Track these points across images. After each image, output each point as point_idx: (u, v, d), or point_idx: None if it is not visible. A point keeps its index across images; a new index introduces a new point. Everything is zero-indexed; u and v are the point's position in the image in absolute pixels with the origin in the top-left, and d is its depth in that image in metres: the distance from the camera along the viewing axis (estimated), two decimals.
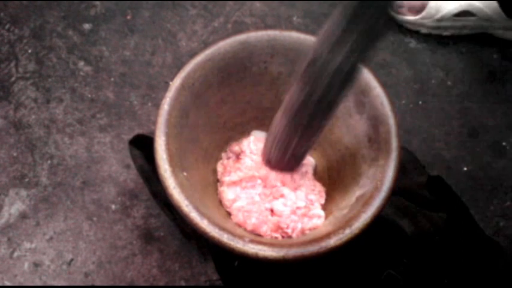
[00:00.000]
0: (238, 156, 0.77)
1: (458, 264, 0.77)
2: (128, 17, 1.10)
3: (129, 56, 1.06)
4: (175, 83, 0.68)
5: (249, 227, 0.70)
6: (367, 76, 0.69)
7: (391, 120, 0.66)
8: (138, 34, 1.09)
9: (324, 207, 0.74)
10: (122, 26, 1.10)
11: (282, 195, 0.72)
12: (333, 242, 0.59)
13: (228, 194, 0.73)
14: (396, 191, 0.65)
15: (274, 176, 0.73)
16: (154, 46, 1.07)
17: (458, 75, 1.05)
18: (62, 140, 0.98)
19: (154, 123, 0.66)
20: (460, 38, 1.07)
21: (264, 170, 0.73)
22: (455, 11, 1.03)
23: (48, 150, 0.98)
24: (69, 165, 0.96)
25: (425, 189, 0.83)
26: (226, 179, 0.74)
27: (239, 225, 0.71)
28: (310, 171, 0.77)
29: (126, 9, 1.11)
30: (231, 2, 1.12)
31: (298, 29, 1.06)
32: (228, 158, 0.78)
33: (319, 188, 0.76)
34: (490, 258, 0.79)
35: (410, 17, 1.06)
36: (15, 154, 0.97)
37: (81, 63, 1.06)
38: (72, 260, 0.89)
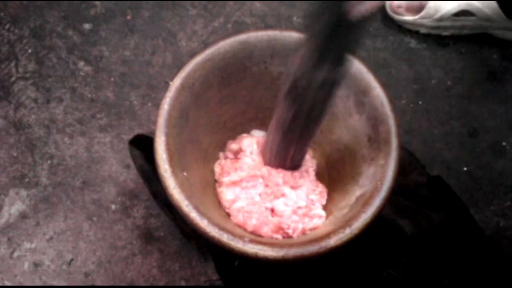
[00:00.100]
0: (236, 156, 0.77)
1: (458, 264, 0.77)
2: (128, 17, 1.10)
3: (129, 56, 1.06)
4: (175, 83, 0.68)
5: (250, 228, 0.70)
6: (367, 76, 0.69)
7: (391, 120, 0.66)
8: (138, 34, 1.09)
9: (324, 207, 0.74)
10: (122, 26, 1.10)
11: (283, 195, 0.72)
12: (332, 242, 0.59)
13: (227, 194, 0.73)
14: (396, 191, 0.65)
15: (275, 174, 0.73)
16: (154, 46, 1.07)
17: (458, 75, 1.05)
18: (62, 140, 0.98)
19: (154, 123, 0.66)
20: (460, 38, 1.07)
21: (265, 169, 0.73)
22: (454, 11, 1.02)
23: (48, 150, 0.98)
24: (69, 165, 0.96)
25: (425, 189, 0.83)
26: (226, 179, 0.74)
27: (239, 227, 0.70)
28: (312, 171, 0.77)
29: (126, 9, 1.11)
30: (231, 2, 1.12)
31: (298, 29, 1.07)
32: (226, 158, 0.78)
33: (321, 188, 0.75)
34: (490, 258, 0.79)
35: (409, 17, 1.06)
36: (15, 154, 0.97)
37: (81, 63, 1.06)
38: (72, 260, 0.89)
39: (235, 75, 0.74)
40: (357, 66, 0.69)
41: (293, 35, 0.73)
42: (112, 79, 1.04)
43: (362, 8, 0.48)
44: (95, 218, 0.92)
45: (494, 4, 1.00)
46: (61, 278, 0.88)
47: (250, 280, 0.77)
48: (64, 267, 0.89)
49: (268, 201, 0.72)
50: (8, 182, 0.95)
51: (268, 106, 0.77)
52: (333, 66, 0.56)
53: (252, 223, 0.69)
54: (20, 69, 1.05)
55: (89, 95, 1.02)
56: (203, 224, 0.59)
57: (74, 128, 0.99)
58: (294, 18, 1.11)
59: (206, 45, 1.06)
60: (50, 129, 0.99)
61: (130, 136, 0.90)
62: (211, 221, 0.59)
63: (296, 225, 0.69)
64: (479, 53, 1.07)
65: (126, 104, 1.01)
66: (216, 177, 0.77)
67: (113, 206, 0.93)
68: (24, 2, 1.12)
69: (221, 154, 0.79)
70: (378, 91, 0.68)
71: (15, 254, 0.90)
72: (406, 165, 0.84)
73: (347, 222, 0.60)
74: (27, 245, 0.90)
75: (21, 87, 1.03)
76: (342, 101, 0.72)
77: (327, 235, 0.59)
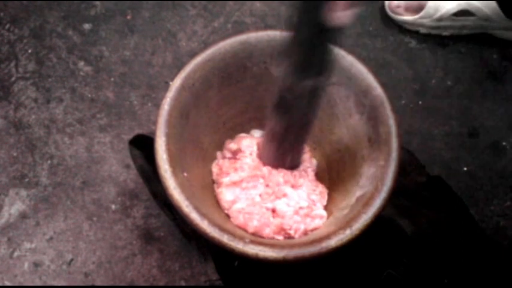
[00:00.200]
0: (235, 156, 0.77)
1: (458, 264, 0.77)
2: (128, 17, 1.10)
3: (129, 56, 1.06)
4: (176, 83, 0.68)
5: (251, 230, 0.69)
6: (367, 77, 0.69)
7: (391, 121, 0.66)
8: (138, 34, 1.09)
9: (325, 207, 0.74)
10: (122, 26, 1.10)
11: (285, 195, 0.71)
12: (333, 242, 0.59)
13: (226, 195, 0.72)
14: (396, 191, 0.65)
15: (276, 173, 0.73)
16: (154, 46, 1.07)
17: (458, 75, 1.05)
18: (62, 140, 0.98)
19: (155, 123, 0.66)
20: (460, 38, 1.07)
21: (266, 169, 0.73)
22: (454, 11, 1.02)
23: (48, 150, 0.98)
24: (69, 165, 0.96)
25: (425, 189, 0.83)
26: (226, 179, 0.74)
27: (240, 228, 0.70)
28: (311, 171, 0.77)
29: (126, 9, 1.11)
30: (231, 2, 1.12)
31: None
32: (224, 158, 0.78)
33: (321, 188, 0.75)
34: (490, 258, 0.79)
35: (409, 17, 1.06)
36: (15, 154, 0.97)
37: (81, 63, 1.06)
38: (72, 260, 0.89)
39: (236, 75, 0.74)
40: (357, 67, 0.69)
41: None
42: (112, 79, 1.04)
43: (341, 15, 0.48)
44: (95, 218, 0.92)
45: (493, 4, 1.00)
46: (61, 278, 0.88)
47: (250, 280, 0.77)
48: (64, 267, 0.89)
49: (270, 201, 0.71)
50: (8, 182, 0.95)
51: (268, 106, 0.77)
52: (317, 75, 0.57)
53: (253, 224, 0.69)
54: (20, 69, 1.05)
55: (89, 95, 1.02)
56: (203, 224, 0.59)
57: (74, 128, 0.99)
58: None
59: (206, 45, 1.06)
60: (50, 129, 0.99)
61: (130, 136, 0.90)
62: (212, 222, 0.59)
63: (298, 226, 0.69)
64: (479, 53, 1.07)
65: (126, 104, 1.01)
66: (214, 177, 0.76)
67: (113, 206, 0.93)
68: (24, 2, 1.12)
69: (219, 154, 0.78)
70: (378, 91, 0.68)
71: (15, 254, 0.90)
72: (406, 165, 0.84)
73: (347, 223, 0.60)
74: (27, 245, 0.90)
75: (21, 87, 1.03)
76: (342, 101, 0.72)
77: (328, 236, 0.59)
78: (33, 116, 1.01)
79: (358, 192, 0.67)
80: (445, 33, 1.07)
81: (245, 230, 0.69)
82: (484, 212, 0.92)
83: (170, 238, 0.90)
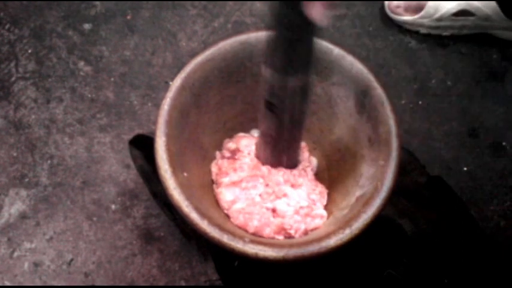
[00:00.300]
0: (234, 156, 0.77)
1: (458, 264, 0.77)
2: (128, 17, 1.10)
3: (129, 56, 1.06)
4: (176, 83, 0.68)
5: (251, 230, 0.69)
6: (367, 77, 0.69)
7: (391, 121, 0.66)
8: (138, 34, 1.09)
9: (325, 207, 0.74)
10: (122, 26, 1.10)
11: (285, 195, 0.71)
12: (333, 242, 0.59)
13: (226, 195, 0.72)
14: (396, 191, 0.65)
15: (276, 173, 0.73)
16: (154, 46, 1.07)
17: (458, 75, 1.05)
18: (62, 140, 0.98)
19: (154, 123, 0.66)
20: (460, 38, 1.07)
21: (265, 168, 0.73)
22: (454, 10, 1.02)
23: (48, 150, 0.98)
24: (69, 165, 0.96)
25: (425, 189, 0.82)
26: (226, 179, 0.74)
27: (240, 228, 0.70)
28: (310, 171, 0.77)
29: (126, 9, 1.11)
30: (231, 2, 1.12)
31: None
32: (223, 158, 0.78)
33: (320, 188, 0.75)
34: (490, 258, 0.79)
35: (409, 17, 1.06)
36: (15, 154, 0.97)
37: (81, 63, 1.06)
38: (72, 260, 0.89)
39: (236, 75, 0.74)
40: (357, 67, 0.69)
41: None
42: (112, 79, 1.04)
43: (318, 14, 0.49)
44: (95, 218, 0.92)
45: (493, 4, 1.00)
46: (61, 278, 0.88)
47: (250, 280, 0.77)
48: (64, 267, 0.89)
49: (270, 201, 0.71)
50: (8, 182, 0.95)
51: (260, 107, 0.77)
52: (301, 73, 0.57)
53: (253, 224, 0.69)
54: (20, 69, 1.05)
55: (89, 95, 1.02)
56: (203, 224, 0.59)
57: (74, 128, 0.99)
58: None
59: (206, 45, 1.06)
60: (50, 129, 0.99)
61: (130, 136, 0.90)
62: (212, 222, 0.59)
63: (298, 226, 0.69)
64: (479, 53, 1.07)
65: (126, 104, 1.01)
66: (214, 177, 0.76)
67: (113, 206, 0.93)
68: (24, 2, 1.12)
69: (218, 153, 0.78)
70: (378, 91, 0.68)
71: (15, 254, 0.90)
72: (406, 165, 0.84)
73: (347, 223, 0.60)
74: (27, 245, 0.90)
75: (21, 87, 1.03)
76: (342, 101, 0.72)
77: (327, 235, 0.59)
78: (33, 116, 1.01)
79: (358, 192, 0.67)
80: (445, 33, 1.07)
81: (245, 230, 0.69)
82: (484, 212, 0.92)
83: (170, 238, 0.90)
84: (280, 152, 0.71)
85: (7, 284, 0.88)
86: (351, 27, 1.09)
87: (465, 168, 0.96)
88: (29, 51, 1.07)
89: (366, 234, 0.61)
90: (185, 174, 0.65)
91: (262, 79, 0.60)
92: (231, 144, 0.77)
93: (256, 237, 0.66)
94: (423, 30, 1.07)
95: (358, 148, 0.71)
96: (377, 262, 0.75)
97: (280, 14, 0.52)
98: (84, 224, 0.92)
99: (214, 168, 0.77)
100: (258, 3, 1.12)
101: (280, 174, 0.73)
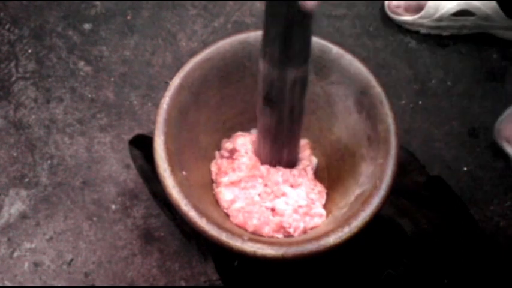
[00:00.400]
0: (232, 156, 0.77)
1: (458, 264, 0.76)
2: (128, 17, 1.10)
3: (129, 56, 1.06)
4: (175, 82, 0.68)
5: (251, 228, 0.69)
6: (366, 75, 0.69)
7: (390, 119, 0.66)
8: (138, 34, 1.09)
9: (324, 206, 0.74)
10: (122, 26, 1.10)
11: (284, 194, 0.72)
12: (332, 240, 0.59)
13: (226, 194, 0.72)
14: (396, 191, 0.64)
15: (274, 173, 0.73)
16: (154, 46, 1.08)
17: (458, 75, 1.05)
18: (62, 140, 0.99)
19: (154, 123, 0.66)
20: (460, 38, 1.07)
21: (264, 168, 0.73)
22: (454, 10, 1.02)
23: (48, 150, 0.98)
24: (69, 165, 0.96)
25: (425, 189, 0.82)
26: (225, 179, 0.74)
27: (239, 227, 0.70)
28: (310, 170, 0.77)
29: (126, 9, 1.11)
30: (231, 2, 1.12)
31: None
32: (222, 158, 0.78)
33: (319, 188, 0.75)
34: (490, 258, 0.79)
35: (409, 17, 1.06)
36: (15, 154, 0.98)
37: (81, 63, 1.06)
38: (72, 260, 0.89)
39: (235, 74, 0.74)
40: (356, 66, 0.69)
41: None
42: (112, 79, 1.04)
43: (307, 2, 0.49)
44: (95, 218, 0.92)
45: (493, 3, 1.00)
46: (61, 278, 0.88)
47: (250, 280, 0.77)
48: (64, 267, 0.89)
49: (269, 200, 0.71)
50: (8, 182, 0.95)
51: (257, 103, 0.77)
52: (297, 66, 0.57)
53: (253, 223, 0.69)
54: (20, 69, 1.05)
55: (89, 95, 1.02)
56: (202, 222, 0.59)
57: (74, 128, 0.99)
58: None
59: (206, 45, 1.05)
60: (50, 129, 0.99)
61: (130, 136, 0.90)
62: (210, 220, 0.59)
63: (297, 224, 0.69)
64: (479, 53, 1.07)
65: (126, 104, 1.02)
66: (213, 177, 0.76)
67: (113, 206, 0.93)
68: (24, 2, 1.12)
69: (217, 153, 0.78)
70: (376, 90, 0.68)
71: (15, 254, 0.90)
72: (406, 165, 0.84)
73: (346, 221, 0.60)
74: (27, 245, 0.90)
75: (21, 87, 1.03)
76: (341, 100, 0.72)
77: (326, 234, 0.59)
78: (33, 116, 1.01)
79: (357, 191, 0.67)
80: (445, 33, 1.07)
81: (245, 229, 0.69)
82: (484, 212, 0.92)
83: (170, 238, 0.90)
84: (280, 149, 0.71)
85: (7, 284, 0.88)
86: (351, 27, 1.09)
87: (465, 168, 0.96)
88: (29, 51, 1.07)
89: (366, 234, 0.61)
90: (184, 173, 0.65)
91: (259, 74, 0.60)
92: (228, 144, 0.77)
93: (255, 236, 0.66)
94: (423, 30, 1.07)
95: (357, 147, 0.71)
96: (377, 262, 0.75)
97: (273, 4, 0.51)
98: (84, 224, 0.92)
99: (213, 168, 0.77)
100: (258, 3, 1.12)
101: (279, 174, 0.73)
